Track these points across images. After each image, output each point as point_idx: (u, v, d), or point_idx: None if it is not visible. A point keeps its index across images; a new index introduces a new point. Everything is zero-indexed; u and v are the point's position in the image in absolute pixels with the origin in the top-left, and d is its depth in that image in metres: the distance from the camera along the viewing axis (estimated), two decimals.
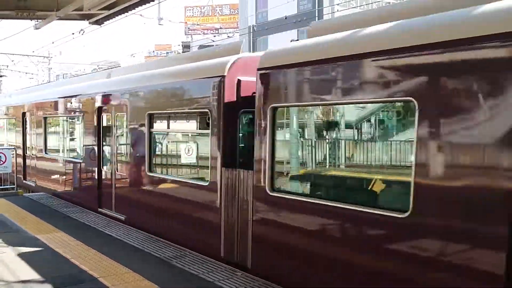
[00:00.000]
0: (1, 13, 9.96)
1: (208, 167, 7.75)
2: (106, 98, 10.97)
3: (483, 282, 4.26)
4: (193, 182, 8.50)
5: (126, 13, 10.57)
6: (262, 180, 6.52)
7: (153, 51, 55.52)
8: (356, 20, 6.15)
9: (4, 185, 15.27)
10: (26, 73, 46.23)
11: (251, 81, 6.95)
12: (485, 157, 4.33)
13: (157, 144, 9.56)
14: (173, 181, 8.87)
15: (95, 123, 11.20)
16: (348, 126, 6.23)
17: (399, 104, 5.34)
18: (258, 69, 6.65)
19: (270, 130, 6.43)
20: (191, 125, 9.07)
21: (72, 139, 13.32)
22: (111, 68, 19.09)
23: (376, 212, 5.13)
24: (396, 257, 4.98)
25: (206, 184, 7.81)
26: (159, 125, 9.50)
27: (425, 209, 4.68)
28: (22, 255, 7.82)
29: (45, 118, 14.54)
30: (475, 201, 4.35)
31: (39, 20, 10.71)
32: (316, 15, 32.53)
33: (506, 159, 4.13)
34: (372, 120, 5.99)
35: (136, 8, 10.32)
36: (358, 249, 5.37)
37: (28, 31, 16.39)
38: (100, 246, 8.38)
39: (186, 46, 40.60)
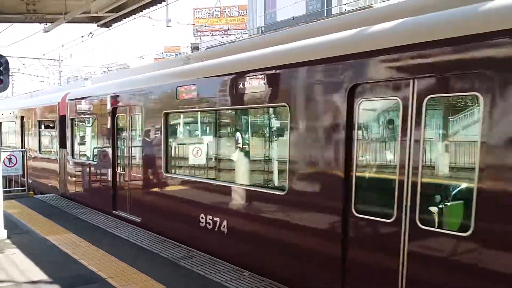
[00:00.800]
0: (11, 16, 10.03)
1: (56, 148, 15.00)
2: (25, 111, 17.91)
3: None
4: (50, 157, 15.55)
5: (134, 15, 10.62)
6: (68, 153, 13.93)
7: (162, 53, 55.70)
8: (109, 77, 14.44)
9: (15, 187, 15.44)
10: (37, 76, 46.62)
11: (81, 101, 13.34)
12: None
13: (42, 138, 16.53)
14: (43, 158, 16.12)
15: (19, 126, 18.35)
16: (89, 127, 13.43)
17: (93, 118, 12.64)
18: (67, 99, 13.99)
19: (70, 129, 13.86)
20: (51, 127, 15.73)
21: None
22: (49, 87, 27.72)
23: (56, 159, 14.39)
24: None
25: (55, 157, 14.99)
26: (42, 127, 16.39)
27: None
28: (32, 256, 7.90)
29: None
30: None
31: (48, 24, 10.78)
32: (325, 14, 32.48)
33: None
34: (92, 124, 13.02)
35: (143, 10, 10.35)
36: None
37: (38, 34, 16.84)
38: (109, 247, 8.46)
39: (195, 48, 40.62)
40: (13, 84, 47.98)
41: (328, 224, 5.70)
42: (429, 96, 4.80)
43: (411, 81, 4.92)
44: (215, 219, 7.63)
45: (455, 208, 4.65)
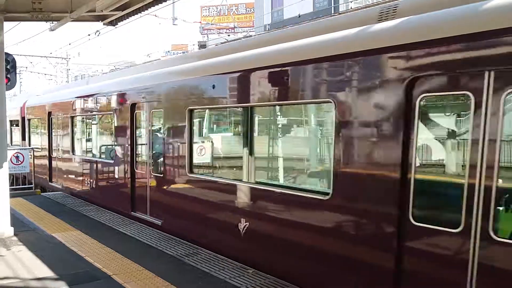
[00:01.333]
0: (17, 15, 10.05)
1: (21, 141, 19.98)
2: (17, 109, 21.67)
3: None
4: (23, 148, 17.38)
5: (139, 14, 10.61)
6: (28, 144, 18.94)
7: (169, 51, 55.76)
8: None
9: (22, 185, 15.54)
10: (45, 74, 46.87)
11: (33, 107, 18.56)
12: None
13: (12, 133, 21.61)
14: (12, 148, 17.60)
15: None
16: (37, 125, 18.71)
17: (38, 118, 18.27)
18: (25, 106, 19.34)
19: (28, 127, 19.38)
20: (18, 124, 20.60)
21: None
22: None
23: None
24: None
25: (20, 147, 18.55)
26: (14, 125, 21.49)
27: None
28: (38, 253, 7.97)
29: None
30: None
31: (54, 22, 10.80)
32: (332, 12, 32.37)
33: None
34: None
35: (149, 9, 10.32)
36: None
37: (46, 33, 16.97)
38: (114, 244, 8.51)
39: (202, 46, 40.65)
40: (21, 82, 48.30)
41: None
42: (153, 110, 9.95)
43: (147, 103, 10.14)
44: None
45: (159, 165, 9.79)
